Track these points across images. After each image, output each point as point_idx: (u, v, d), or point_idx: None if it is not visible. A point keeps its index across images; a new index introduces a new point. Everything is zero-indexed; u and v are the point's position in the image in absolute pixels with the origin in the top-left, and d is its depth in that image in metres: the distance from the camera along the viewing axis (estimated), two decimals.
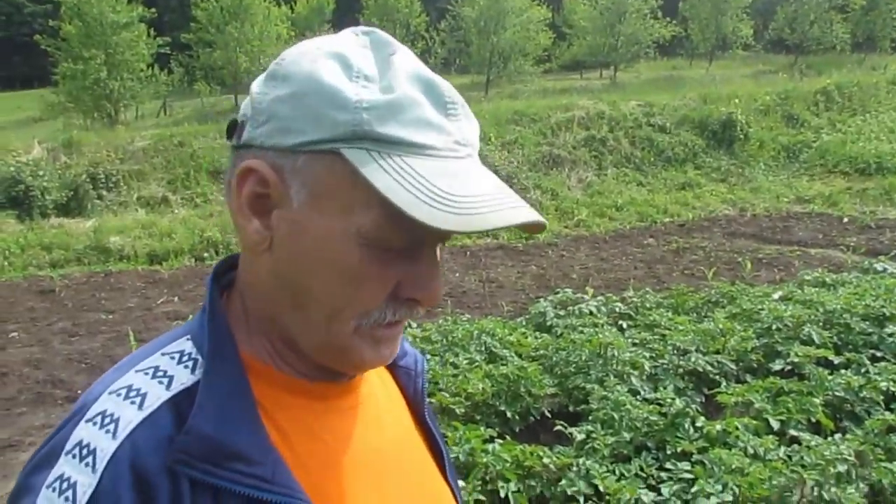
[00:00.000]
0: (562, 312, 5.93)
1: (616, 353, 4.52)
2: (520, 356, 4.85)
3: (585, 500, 3.06)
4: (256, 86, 0.71)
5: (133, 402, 0.67)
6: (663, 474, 3.24)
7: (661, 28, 29.30)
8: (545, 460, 3.25)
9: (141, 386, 0.68)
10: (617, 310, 6.00)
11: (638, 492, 2.98)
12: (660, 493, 3.05)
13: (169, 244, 11.25)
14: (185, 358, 0.72)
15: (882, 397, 3.98)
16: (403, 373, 0.91)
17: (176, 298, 8.76)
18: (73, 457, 0.64)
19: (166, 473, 0.64)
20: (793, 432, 3.60)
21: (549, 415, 4.17)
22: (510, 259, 10.55)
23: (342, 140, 0.65)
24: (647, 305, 6.16)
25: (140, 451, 0.64)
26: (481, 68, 28.29)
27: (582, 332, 5.03)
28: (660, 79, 26.42)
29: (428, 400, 0.93)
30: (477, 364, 4.50)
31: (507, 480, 3.12)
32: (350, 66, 0.68)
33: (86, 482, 0.62)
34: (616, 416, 3.73)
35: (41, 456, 0.67)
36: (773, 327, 5.03)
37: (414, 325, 5.82)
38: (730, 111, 16.71)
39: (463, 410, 3.92)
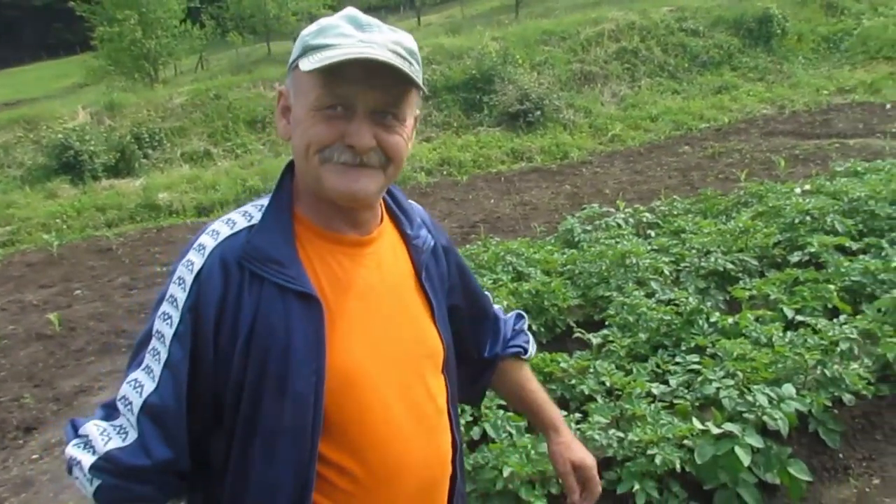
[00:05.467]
0: (589, 227, 6.00)
1: (636, 261, 4.63)
2: (547, 273, 4.94)
3: (603, 398, 3.25)
4: None
5: (224, 229, 1.17)
6: (675, 367, 3.41)
7: None
8: (563, 365, 3.44)
9: (229, 219, 1.19)
10: (644, 220, 6.06)
11: (648, 385, 3.16)
12: (668, 385, 3.23)
13: (214, 196, 11.63)
14: (256, 210, 1.20)
15: None
16: (414, 247, 1.32)
17: None
18: (184, 265, 1.13)
19: (237, 266, 1.11)
20: (804, 318, 3.65)
21: (574, 325, 4.27)
22: (544, 181, 10.60)
23: (299, 56, 1.13)
24: (675, 213, 6.18)
25: (225, 251, 1.12)
26: None
27: (605, 243, 5.12)
28: None
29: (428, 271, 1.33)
30: (502, 283, 4.65)
31: None
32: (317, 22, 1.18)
33: (196, 262, 1.12)
34: (632, 318, 3.90)
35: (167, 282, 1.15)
36: (797, 221, 5.03)
37: None
38: (766, 6, 16.04)
39: None
